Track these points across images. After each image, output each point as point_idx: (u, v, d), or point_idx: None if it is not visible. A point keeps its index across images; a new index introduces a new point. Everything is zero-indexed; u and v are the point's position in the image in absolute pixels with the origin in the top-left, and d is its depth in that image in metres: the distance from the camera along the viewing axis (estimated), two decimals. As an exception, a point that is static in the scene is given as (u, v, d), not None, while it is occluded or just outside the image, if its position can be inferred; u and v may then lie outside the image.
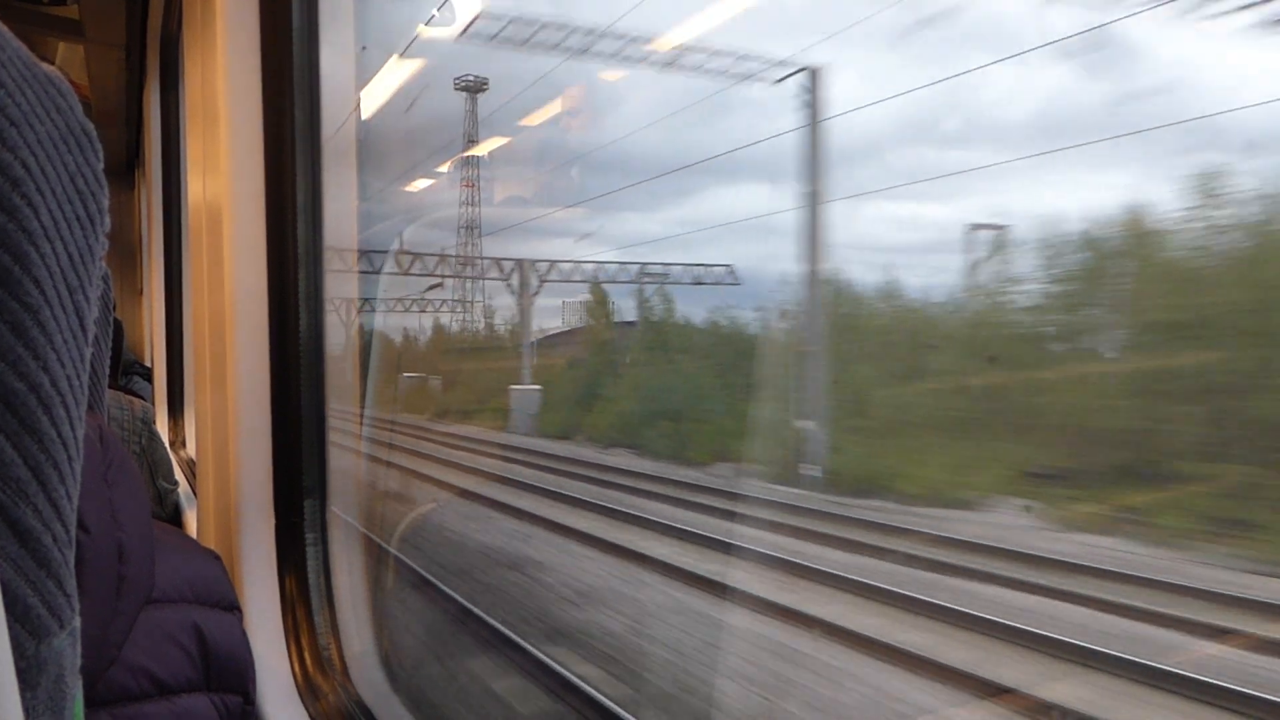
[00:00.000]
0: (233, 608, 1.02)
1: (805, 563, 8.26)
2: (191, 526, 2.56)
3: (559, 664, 5.83)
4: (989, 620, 6.48)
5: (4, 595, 0.37)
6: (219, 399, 1.77)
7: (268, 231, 1.69)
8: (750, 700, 5.78)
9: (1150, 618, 6.52)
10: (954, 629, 6.56)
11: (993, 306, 13.84)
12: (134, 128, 5.76)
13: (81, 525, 0.72)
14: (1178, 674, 5.37)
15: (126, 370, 4.83)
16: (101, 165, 0.47)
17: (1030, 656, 6.04)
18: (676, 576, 8.32)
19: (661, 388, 19.42)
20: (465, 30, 17.20)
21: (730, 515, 10.27)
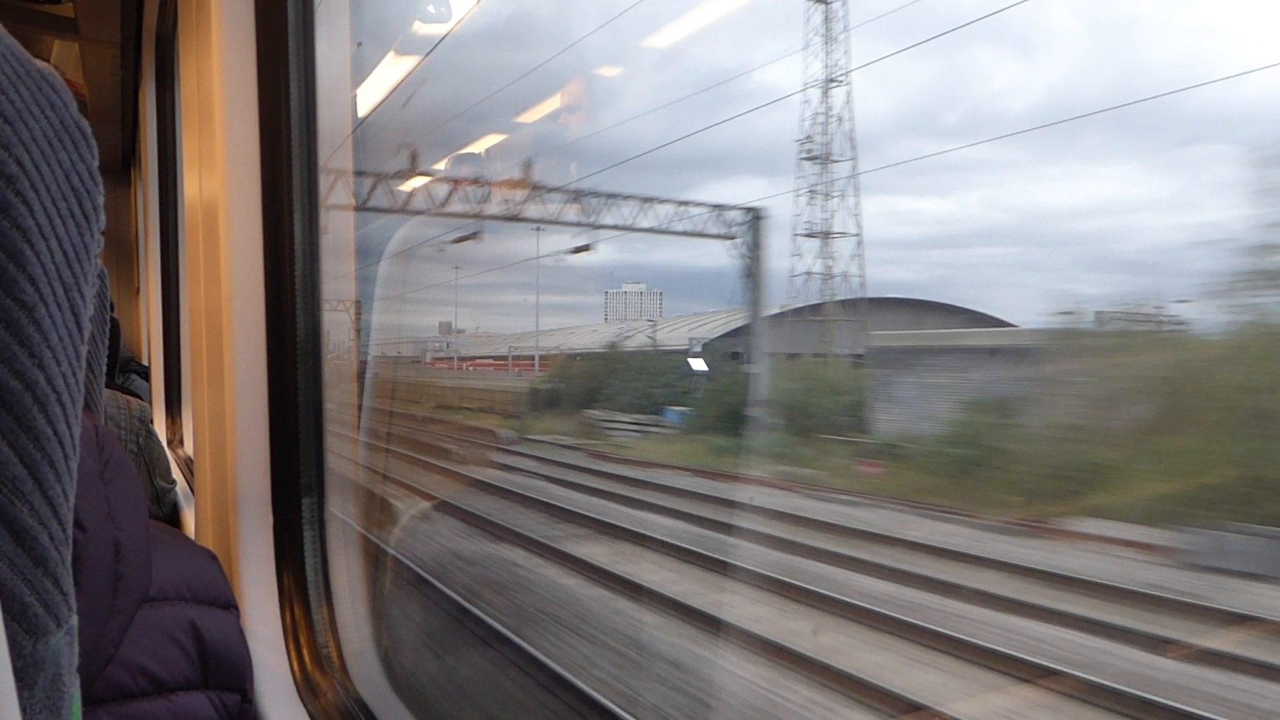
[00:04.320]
0: (229, 606, 1.02)
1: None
2: (189, 525, 2.56)
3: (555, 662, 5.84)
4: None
5: (0, 594, 0.37)
6: (216, 397, 1.76)
7: (264, 228, 1.69)
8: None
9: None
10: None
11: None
12: (130, 125, 5.74)
13: (78, 524, 0.72)
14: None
15: (124, 369, 4.83)
16: (96, 162, 0.47)
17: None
18: None
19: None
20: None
21: None
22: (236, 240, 1.67)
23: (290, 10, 1.65)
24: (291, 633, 1.62)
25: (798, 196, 20.80)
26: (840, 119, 20.22)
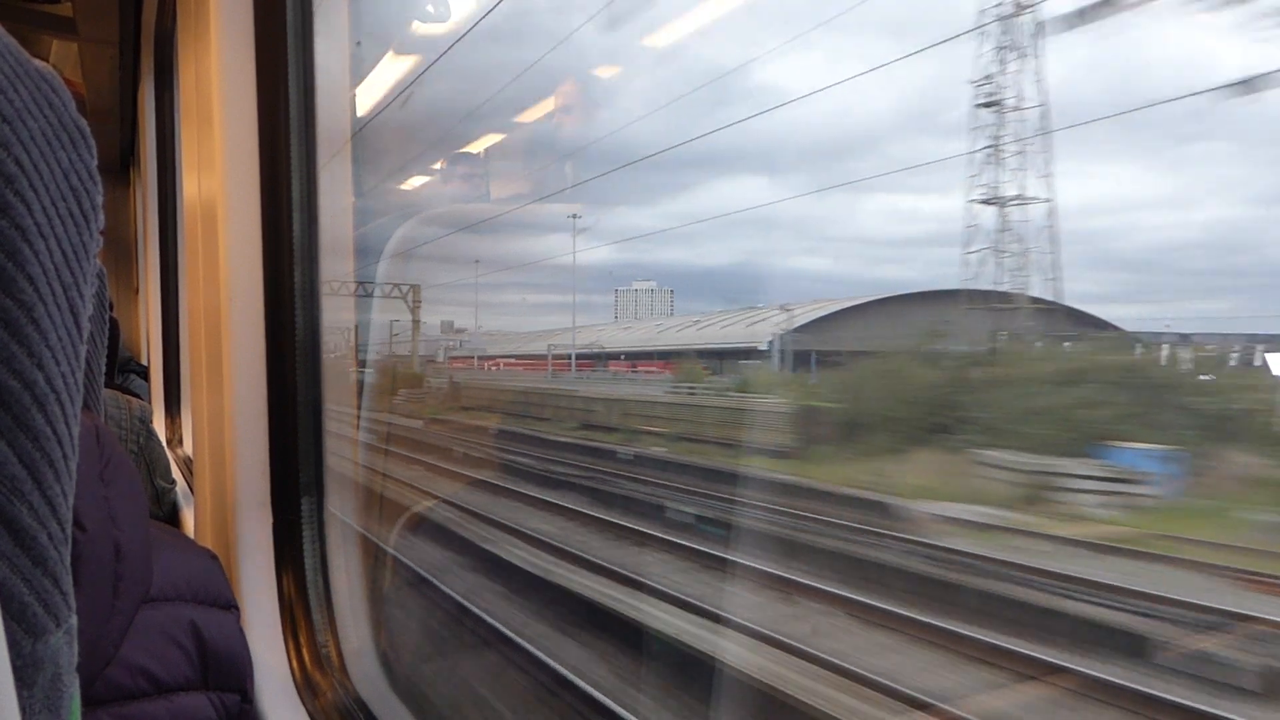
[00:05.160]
0: (230, 606, 1.02)
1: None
2: (189, 524, 2.56)
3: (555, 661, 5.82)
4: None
5: (0, 594, 0.37)
6: (215, 397, 1.76)
7: (263, 228, 1.69)
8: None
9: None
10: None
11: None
12: (129, 125, 5.74)
13: (78, 523, 0.72)
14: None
15: (123, 369, 4.82)
16: (95, 162, 0.47)
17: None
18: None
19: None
20: None
21: None
22: (235, 240, 1.67)
23: (289, 9, 1.65)
24: (291, 632, 1.62)
25: (973, 153, 15.37)
26: (1026, 55, 14.99)
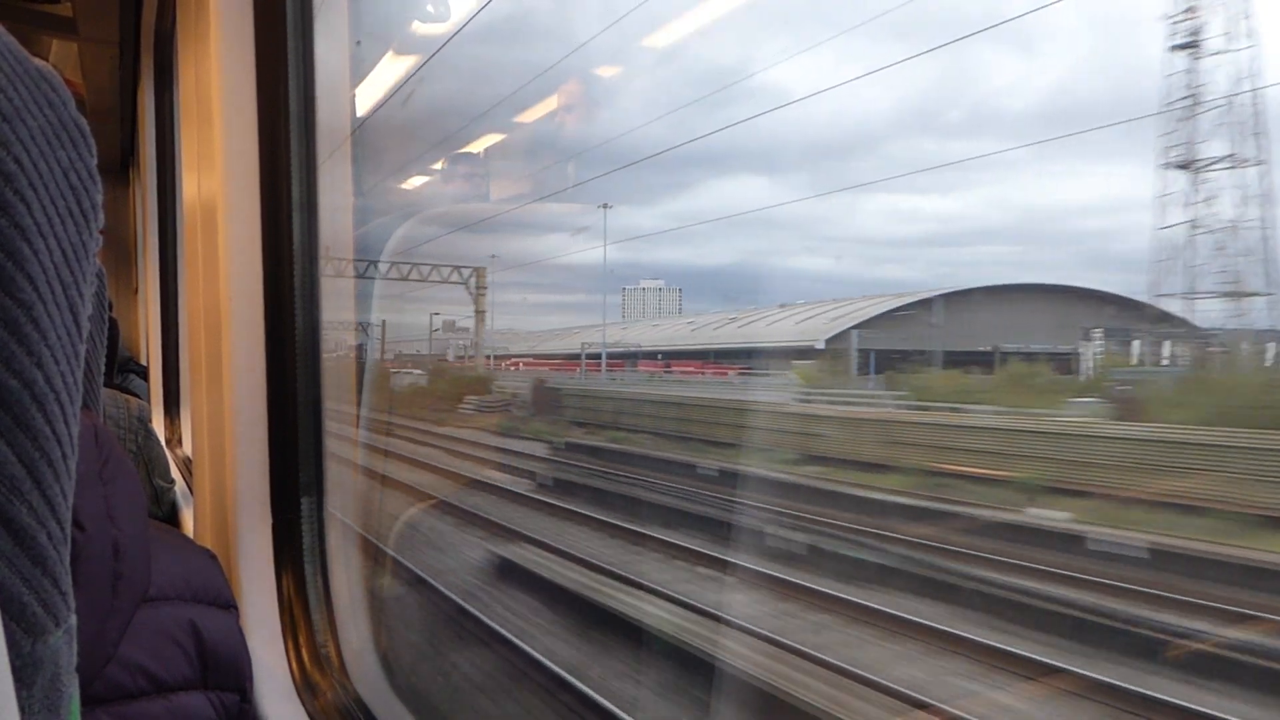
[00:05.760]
0: (229, 606, 1.02)
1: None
2: (188, 525, 2.56)
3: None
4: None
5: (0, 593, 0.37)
6: (215, 397, 1.76)
7: (263, 228, 1.69)
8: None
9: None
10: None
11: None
12: (129, 125, 5.74)
13: (77, 523, 0.72)
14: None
15: (122, 369, 4.82)
16: (95, 161, 0.47)
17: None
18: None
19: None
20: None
21: None
22: (235, 240, 1.67)
23: (289, 9, 1.65)
24: (291, 632, 1.62)
25: (1166, 106, 12.35)
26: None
